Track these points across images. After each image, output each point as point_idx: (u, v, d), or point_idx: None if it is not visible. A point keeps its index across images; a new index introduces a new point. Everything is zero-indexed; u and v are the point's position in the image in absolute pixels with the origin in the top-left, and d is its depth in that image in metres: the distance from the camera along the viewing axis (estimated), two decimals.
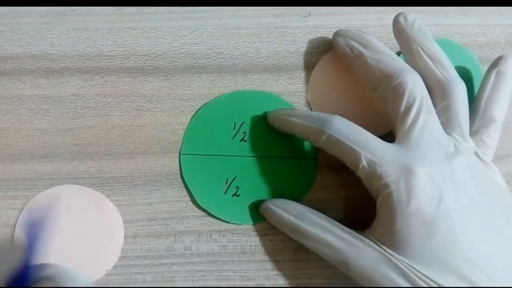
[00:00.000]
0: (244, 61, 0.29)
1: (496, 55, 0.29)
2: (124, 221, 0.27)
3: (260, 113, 0.28)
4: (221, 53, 0.29)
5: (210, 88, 0.28)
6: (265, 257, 0.27)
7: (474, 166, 0.24)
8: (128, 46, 0.28)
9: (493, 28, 0.30)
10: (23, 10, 0.28)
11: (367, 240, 0.23)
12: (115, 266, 0.27)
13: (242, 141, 0.27)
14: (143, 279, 0.27)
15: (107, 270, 0.26)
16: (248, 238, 0.27)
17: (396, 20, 0.27)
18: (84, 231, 0.27)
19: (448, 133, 0.24)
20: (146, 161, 0.28)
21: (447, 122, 0.24)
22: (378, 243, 0.23)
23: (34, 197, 0.27)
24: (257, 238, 0.27)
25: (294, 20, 0.29)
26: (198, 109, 0.28)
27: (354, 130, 0.24)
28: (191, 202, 0.27)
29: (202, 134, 0.28)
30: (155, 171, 0.28)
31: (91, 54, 0.28)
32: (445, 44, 0.28)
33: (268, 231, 0.27)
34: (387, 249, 0.22)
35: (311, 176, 0.28)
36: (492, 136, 0.26)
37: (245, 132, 0.27)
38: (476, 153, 0.25)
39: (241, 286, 0.27)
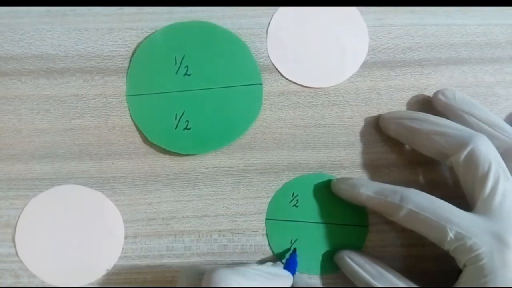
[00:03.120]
0: None
1: (497, 55, 0.29)
2: (124, 221, 0.27)
3: (198, 44, 0.27)
4: None
5: None
6: (265, 257, 0.27)
7: None
8: (128, 46, 0.28)
9: (493, 28, 0.29)
10: (24, 10, 0.28)
11: None
12: (115, 266, 0.27)
13: (186, 75, 0.27)
14: (143, 279, 0.27)
15: (107, 269, 0.27)
16: (248, 238, 0.27)
17: (436, 99, 0.27)
18: (84, 231, 0.27)
19: None
20: (146, 161, 0.28)
21: None
22: None
23: (35, 197, 0.27)
24: (257, 238, 0.27)
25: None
26: (135, 49, 0.28)
27: (434, 202, 0.23)
28: (191, 202, 0.28)
29: (144, 74, 0.27)
30: (155, 171, 0.28)
31: (91, 54, 0.28)
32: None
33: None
34: None
35: (258, 101, 0.28)
36: None
37: (187, 66, 0.27)
38: None
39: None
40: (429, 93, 0.29)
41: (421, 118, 0.25)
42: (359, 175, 0.28)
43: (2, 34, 0.28)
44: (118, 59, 0.28)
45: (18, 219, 0.27)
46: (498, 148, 0.24)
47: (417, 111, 0.27)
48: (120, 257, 0.27)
